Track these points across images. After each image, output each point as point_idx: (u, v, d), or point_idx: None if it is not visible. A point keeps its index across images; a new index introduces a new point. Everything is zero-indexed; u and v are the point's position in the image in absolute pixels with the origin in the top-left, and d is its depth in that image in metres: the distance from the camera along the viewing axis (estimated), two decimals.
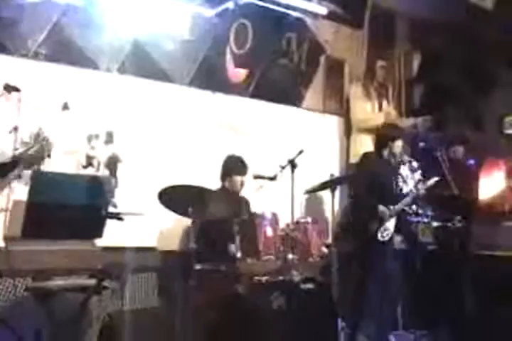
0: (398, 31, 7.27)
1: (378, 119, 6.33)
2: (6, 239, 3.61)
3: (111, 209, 4.12)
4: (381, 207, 5.26)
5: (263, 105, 6.19)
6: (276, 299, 4.36)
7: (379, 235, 5.23)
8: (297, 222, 5.06)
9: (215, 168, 5.21)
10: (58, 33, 5.00)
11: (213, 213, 4.36)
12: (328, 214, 5.19)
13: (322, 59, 6.80)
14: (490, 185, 6.27)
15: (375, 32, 7.00)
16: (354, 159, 6.27)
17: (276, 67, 6.41)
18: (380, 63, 6.73)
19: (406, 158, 5.57)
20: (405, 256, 5.41)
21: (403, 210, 5.41)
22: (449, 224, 5.59)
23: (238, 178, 5.10)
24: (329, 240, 5.40)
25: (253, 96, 6.17)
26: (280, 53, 6.46)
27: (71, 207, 3.61)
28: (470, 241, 5.55)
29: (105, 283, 3.90)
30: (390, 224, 5.29)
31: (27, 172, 3.85)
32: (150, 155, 5.30)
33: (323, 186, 4.91)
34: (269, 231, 4.96)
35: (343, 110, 6.85)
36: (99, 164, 5.04)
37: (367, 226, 5.25)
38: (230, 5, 5.83)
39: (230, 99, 5.95)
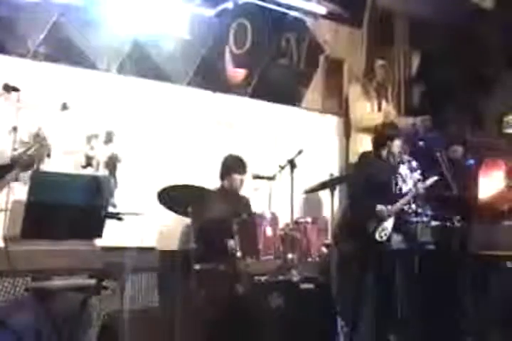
0: (397, 31, 7.26)
1: (378, 119, 6.33)
2: (5, 239, 3.60)
3: (110, 209, 4.11)
4: (379, 207, 5.26)
5: (262, 105, 6.19)
6: (275, 299, 4.36)
7: (377, 235, 5.23)
8: (297, 222, 5.06)
9: (214, 168, 5.21)
10: (58, 32, 5.00)
11: (213, 212, 4.37)
12: (328, 214, 5.19)
13: (321, 59, 6.80)
14: (489, 184, 6.27)
15: (375, 32, 7.00)
16: (353, 159, 6.28)
17: (276, 67, 6.42)
18: (379, 63, 6.73)
19: (405, 157, 5.57)
20: (404, 256, 5.41)
21: (402, 210, 5.41)
22: (449, 224, 5.60)
23: (237, 177, 5.10)
24: (329, 240, 5.40)
25: (252, 96, 6.17)
26: (279, 53, 6.47)
27: (70, 207, 3.60)
28: (469, 241, 5.55)
29: (105, 283, 3.89)
30: (388, 224, 5.29)
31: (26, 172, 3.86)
32: (149, 155, 5.30)
33: (322, 186, 4.92)
34: (269, 231, 4.95)
35: (343, 110, 6.85)
36: (98, 164, 5.04)
37: (365, 226, 5.25)
38: (230, 5, 5.84)
39: (229, 98, 5.96)
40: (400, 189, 5.46)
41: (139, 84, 5.36)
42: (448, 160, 5.79)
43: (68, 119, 4.61)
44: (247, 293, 4.41)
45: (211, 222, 4.50)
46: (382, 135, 5.61)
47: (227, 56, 6.06)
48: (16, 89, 4.10)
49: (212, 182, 5.05)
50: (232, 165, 5.12)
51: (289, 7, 6.34)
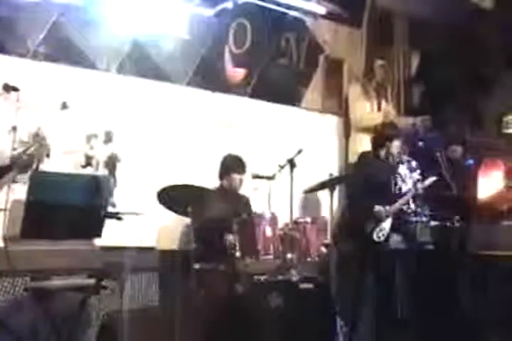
0: (397, 31, 7.26)
1: (377, 119, 6.33)
2: (5, 238, 3.60)
3: (110, 209, 4.12)
4: (377, 208, 5.26)
5: (262, 105, 6.19)
6: (274, 298, 4.36)
7: (374, 235, 5.23)
8: (296, 222, 5.06)
9: (214, 168, 5.21)
10: (57, 32, 5.01)
11: (212, 212, 4.36)
12: (327, 214, 5.19)
13: (321, 59, 6.81)
14: (488, 184, 6.27)
15: (374, 31, 7.00)
16: (353, 159, 6.28)
17: (275, 66, 6.42)
18: (379, 63, 6.74)
19: (405, 157, 5.57)
20: (403, 256, 5.41)
21: (401, 210, 5.41)
22: (448, 224, 5.59)
23: (237, 177, 5.09)
24: (328, 240, 5.40)
25: (252, 95, 6.18)
26: (279, 53, 6.47)
27: (70, 206, 3.60)
28: (468, 241, 5.55)
29: (104, 283, 3.89)
30: (386, 224, 5.29)
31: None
32: (149, 155, 5.30)
33: (321, 186, 4.92)
34: (268, 231, 4.97)
35: (342, 110, 6.85)
36: (98, 163, 5.04)
37: (363, 227, 5.25)
38: (229, 5, 5.84)
39: (228, 98, 5.96)
40: (400, 189, 5.46)
41: (138, 84, 5.36)
42: (447, 160, 5.79)
43: (68, 119, 4.61)
44: (246, 292, 4.41)
45: (211, 221, 4.50)
46: (381, 135, 5.61)
47: (227, 56, 6.07)
48: (15, 89, 4.10)
49: (212, 182, 5.05)
50: (231, 165, 5.11)
51: (289, 7, 6.34)
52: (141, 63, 5.45)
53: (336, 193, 4.89)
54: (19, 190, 3.93)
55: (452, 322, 5.23)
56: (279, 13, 6.30)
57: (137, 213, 4.18)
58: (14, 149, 3.84)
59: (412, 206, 5.46)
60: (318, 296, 4.64)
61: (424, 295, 5.31)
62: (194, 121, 5.64)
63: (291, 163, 4.75)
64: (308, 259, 5.01)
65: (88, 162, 4.99)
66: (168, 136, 5.44)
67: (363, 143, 6.34)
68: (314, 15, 6.56)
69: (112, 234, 4.12)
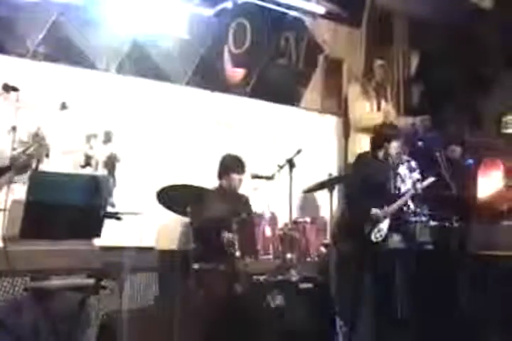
0: (397, 30, 7.27)
1: (377, 119, 6.34)
2: (4, 239, 3.60)
3: (109, 209, 4.12)
4: (373, 211, 5.25)
5: (261, 105, 6.19)
6: (274, 298, 4.36)
7: (372, 236, 5.23)
8: (295, 222, 5.07)
9: (213, 168, 5.21)
10: (57, 32, 5.00)
11: (211, 212, 4.36)
12: (327, 214, 5.19)
13: (320, 58, 6.81)
14: (488, 184, 6.27)
15: (374, 31, 7.00)
16: (352, 159, 6.27)
17: (275, 66, 6.42)
18: (378, 63, 6.74)
19: (404, 157, 5.57)
20: (403, 256, 5.41)
21: (401, 210, 5.41)
22: (447, 224, 5.59)
23: (236, 177, 5.09)
24: (327, 240, 5.41)
25: (251, 95, 6.18)
26: (278, 53, 6.47)
27: (69, 206, 3.60)
28: (468, 241, 5.55)
29: (103, 283, 3.89)
30: (384, 225, 5.29)
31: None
32: (148, 154, 5.30)
33: (321, 186, 4.92)
34: (268, 231, 4.97)
35: (342, 110, 6.85)
36: (97, 163, 5.04)
37: (361, 227, 5.25)
38: (228, 4, 5.84)
39: (228, 98, 5.96)
40: (399, 189, 5.46)
41: (138, 84, 5.36)
42: (447, 160, 5.79)
43: (67, 119, 4.62)
44: (245, 292, 4.41)
45: (210, 221, 4.50)
46: (379, 136, 5.61)
47: (226, 56, 6.07)
48: (15, 89, 4.09)
49: (211, 181, 5.05)
50: (231, 165, 5.11)
51: (288, 7, 6.34)
52: (141, 63, 5.45)
53: (335, 193, 4.88)
54: (18, 190, 3.93)
55: (452, 322, 5.23)
56: (279, 12, 6.30)
57: (136, 213, 4.18)
58: (14, 149, 3.83)
59: (412, 206, 5.47)
60: (317, 296, 4.65)
61: (423, 295, 5.31)
62: (193, 121, 5.63)
63: (291, 163, 4.75)
64: (308, 259, 5.02)
65: (87, 162, 4.99)
66: (168, 135, 5.44)
67: (362, 143, 6.34)
68: (313, 15, 6.56)
69: (111, 234, 4.12)
